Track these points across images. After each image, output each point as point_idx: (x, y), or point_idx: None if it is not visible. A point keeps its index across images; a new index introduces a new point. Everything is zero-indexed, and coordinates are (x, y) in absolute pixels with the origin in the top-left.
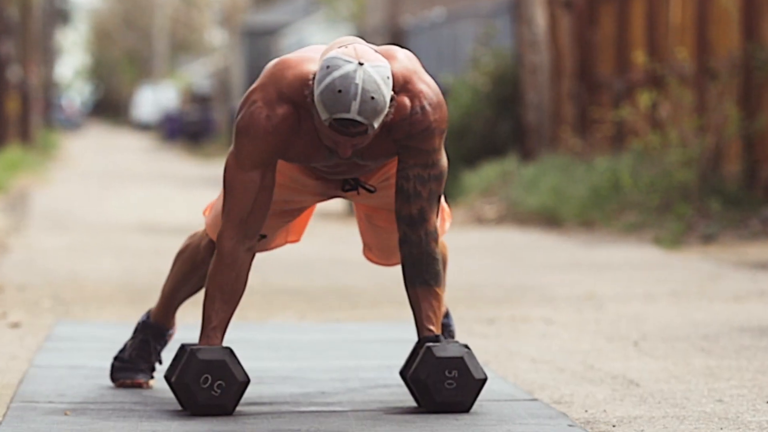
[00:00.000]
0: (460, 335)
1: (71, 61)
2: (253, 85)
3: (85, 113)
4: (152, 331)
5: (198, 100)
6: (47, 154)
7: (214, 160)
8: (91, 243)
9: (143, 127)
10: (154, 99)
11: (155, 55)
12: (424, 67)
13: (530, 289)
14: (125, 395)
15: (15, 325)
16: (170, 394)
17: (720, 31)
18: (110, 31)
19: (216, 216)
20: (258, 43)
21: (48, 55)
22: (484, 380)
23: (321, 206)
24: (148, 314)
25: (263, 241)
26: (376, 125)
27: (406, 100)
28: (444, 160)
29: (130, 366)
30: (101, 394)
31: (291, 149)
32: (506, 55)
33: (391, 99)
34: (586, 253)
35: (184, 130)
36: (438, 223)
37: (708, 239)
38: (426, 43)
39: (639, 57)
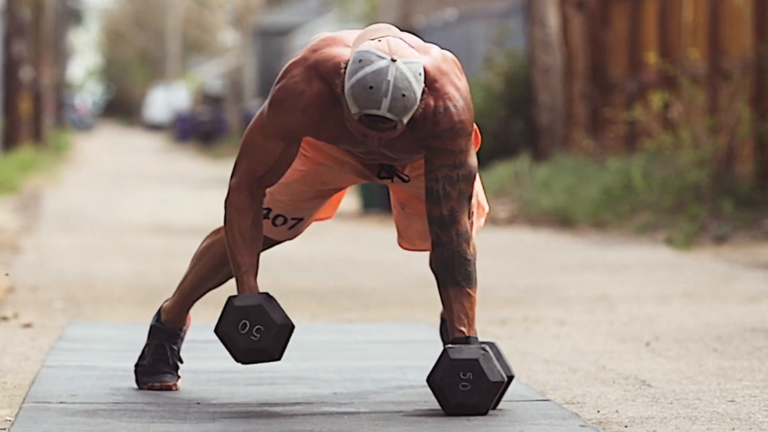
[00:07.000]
0: None
1: (83, 62)
2: (295, 57)
3: (97, 114)
4: (165, 335)
5: (210, 100)
6: (59, 154)
7: (226, 161)
8: (102, 244)
9: (155, 127)
10: (166, 99)
11: (167, 56)
12: (462, 67)
13: (543, 290)
14: (137, 396)
15: (27, 326)
16: (183, 395)
17: (732, 31)
18: (122, 31)
19: None
20: (270, 43)
21: (60, 55)
22: (502, 383)
23: None
24: (159, 316)
25: (298, 224)
26: (405, 120)
27: (431, 100)
28: (473, 160)
29: (152, 370)
30: (113, 394)
31: (322, 128)
32: (519, 55)
33: (422, 93)
34: (599, 253)
35: (196, 130)
36: (469, 223)
37: (720, 240)
38: (438, 43)
39: (651, 57)
